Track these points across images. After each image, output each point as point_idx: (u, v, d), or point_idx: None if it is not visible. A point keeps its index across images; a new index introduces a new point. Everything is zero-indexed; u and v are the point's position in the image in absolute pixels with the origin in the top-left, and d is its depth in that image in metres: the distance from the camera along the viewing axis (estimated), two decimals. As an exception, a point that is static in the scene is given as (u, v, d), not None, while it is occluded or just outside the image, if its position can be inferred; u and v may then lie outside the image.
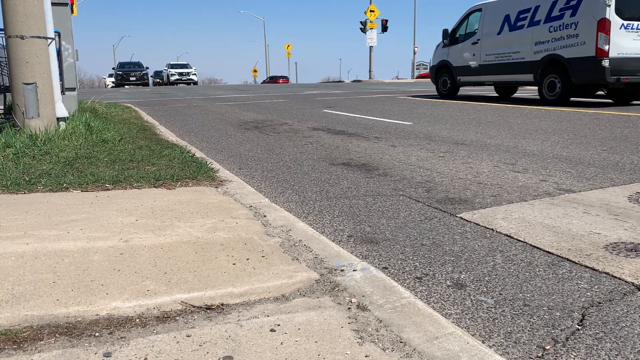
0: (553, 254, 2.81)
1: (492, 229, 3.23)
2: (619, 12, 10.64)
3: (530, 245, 2.95)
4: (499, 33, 13.24)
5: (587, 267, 2.62)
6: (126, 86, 38.08)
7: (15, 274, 2.33)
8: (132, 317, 1.97)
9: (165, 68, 45.21)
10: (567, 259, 2.72)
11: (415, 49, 45.30)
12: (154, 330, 1.87)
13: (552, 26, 11.77)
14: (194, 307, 2.05)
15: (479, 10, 14.04)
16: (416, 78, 43.34)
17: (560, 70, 11.70)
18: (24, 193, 3.80)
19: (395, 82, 36.41)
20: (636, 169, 4.87)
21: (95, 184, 4.03)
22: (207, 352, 1.72)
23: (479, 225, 3.33)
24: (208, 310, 2.02)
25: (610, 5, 10.54)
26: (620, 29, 10.67)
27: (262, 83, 53.27)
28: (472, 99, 15.12)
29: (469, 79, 14.65)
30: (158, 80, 45.80)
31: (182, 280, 2.27)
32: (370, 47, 38.01)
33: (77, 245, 2.69)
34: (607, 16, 10.58)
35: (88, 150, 5.44)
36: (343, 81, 45.10)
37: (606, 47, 10.64)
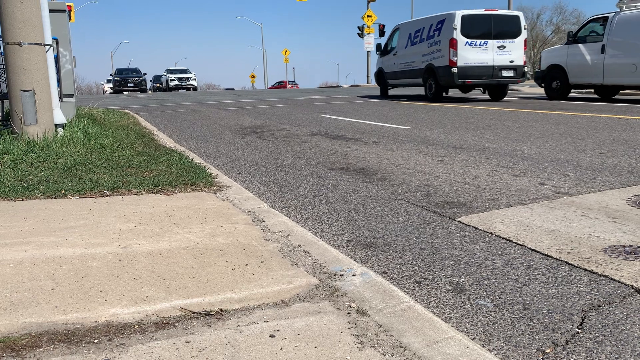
0: (552, 257, 2.81)
1: (491, 233, 3.23)
2: (464, 33, 14.90)
3: (530, 248, 2.95)
4: (405, 47, 17.63)
5: (586, 270, 2.62)
6: (124, 92, 38.08)
7: (13, 281, 2.32)
8: (131, 323, 1.96)
9: (165, 73, 45.19)
10: (566, 262, 2.72)
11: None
12: (153, 336, 1.87)
13: (429, 43, 16.09)
14: (193, 313, 2.04)
15: (398, 29, 18.41)
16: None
17: (434, 75, 16.04)
18: (22, 200, 3.80)
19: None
20: (634, 172, 4.88)
21: (93, 191, 4.03)
22: (207, 358, 1.71)
23: (478, 229, 3.33)
24: (207, 316, 2.02)
25: (456, 29, 14.86)
26: (465, 45, 14.91)
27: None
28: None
29: (393, 82, 18.98)
30: (158, 85, 45.79)
31: (181, 286, 2.26)
32: (368, 52, 38.08)
33: (76, 252, 2.68)
34: (455, 36, 14.89)
35: (86, 156, 5.43)
36: (341, 86, 45.19)
37: (455, 59, 14.93)
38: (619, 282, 2.46)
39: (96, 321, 1.97)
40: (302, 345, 1.79)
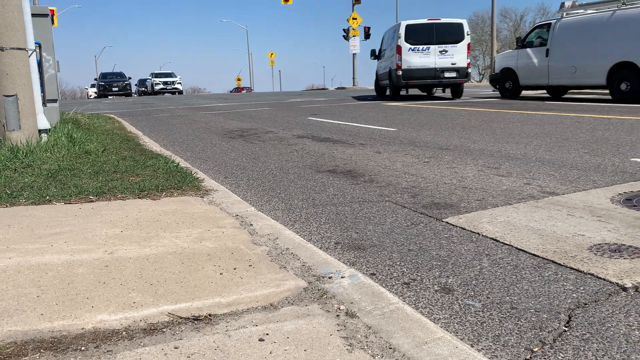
0: (539, 256, 2.83)
1: (478, 233, 3.25)
2: (407, 40, 17.26)
3: (516, 248, 2.97)
4: (384, 52, 19.73)
5: (572, 268, 2.64)
6: (109, 97, 37.78)
7: (-3, 289, 2.28)
8: (118, 330, 1.95)
9: (150, 77, 44.90)
10: (553, 261, 2.75)
11: (398, 55, 45.61)
12: (141, 342, 1.85)
13: (390, 48, 18.59)
14: (181, 318, 2.03)
15: (384, 35, 20.57)
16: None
17: (391, 77, 18.44)
18: (6, 206, 3.74)
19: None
20: (617, 171, 4.94)
21: (78, 196, 3.98)
22: (196, 364, 1.70)
23: (465, 229, 3.35)
24: (196, 321, 2.00)
25: (401, 37, 17.27)
26: (408, 51, 17.23)
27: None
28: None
29: (381, 83, 20.81)
30: (143, 89, 45.48)
31: (168, 292, 2.25)
32: (354, 54, 38.19)
33: (61, 259, 2.65)
34: (400, 43, 17.32)
35: (71, 162, 5.38)
36: (327, 88, 45.24)
37: (399, 63, 17.27)
38: (604, 280, 2.49)
39: (83, 328, 1.95)
40: (291, 349, 1.79)
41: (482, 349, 1.95)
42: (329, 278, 2.41)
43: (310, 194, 4.53)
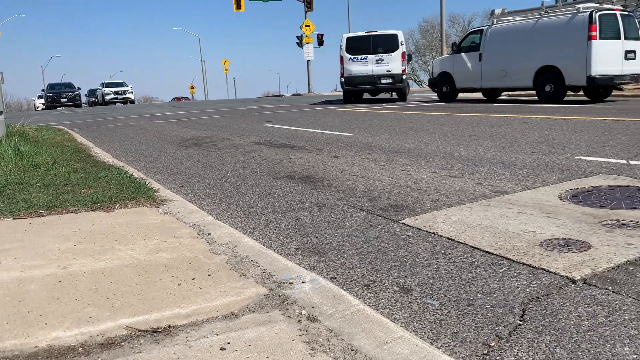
0: (492, 253, 2.92)
1: (434, 233, 3.33)
2: (348, 51, 19.40)
3: (471, 246, 3.05)
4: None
5: (524, 264, 2.74)
6: (58, 108, 36.59)
7: (-58, 310, 2.18)
8: (74, 346, 1.89)
9: (100, 87, 43.77)
10: (506, 258, 2.84)
11: (352, 61, 45.99)
12: (98, 357, 1.81)
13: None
14: (139, 331, 1.99)
15: None
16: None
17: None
18: (-51, 224, 3.58)
19: (334, 95, 36.85)
20: (564, 169, 5.14)
21: (28, 211, 3.85)
22: (156, 376, 1.67)
23: (421, 230, 3.42)
24: (155, 334, 1.97)
25: (342, 47, 19.49)
26: (349, 60, 19.35)
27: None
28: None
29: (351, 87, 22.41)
30: (93, 99, 44.28)
31: (126, 305, 2.20)
32: (308, 61, 38.36)
33: (11, 276, 2.56)
34: (342, 54, 19.60)
35: (19, 175, 5.19)
36: (283, 95, 45.24)
37: (342, 71, 19.59)
38: (555, 273, 2.59)
39: (36, 346, 1.89)
40: (253, 356, 1.78)
41: (441, 346, 2.00)
42: (290, 284, 2.41)
43: (269, 201, 4.52)
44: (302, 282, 2.41)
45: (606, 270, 2.59)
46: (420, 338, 1.99)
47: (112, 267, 2.67)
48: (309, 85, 40.09)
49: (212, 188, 5.21)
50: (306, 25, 36.63)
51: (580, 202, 3.86)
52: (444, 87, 18.11)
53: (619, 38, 13.66)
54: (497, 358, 1.89)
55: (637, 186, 4.23)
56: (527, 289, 2.44)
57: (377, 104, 18.43)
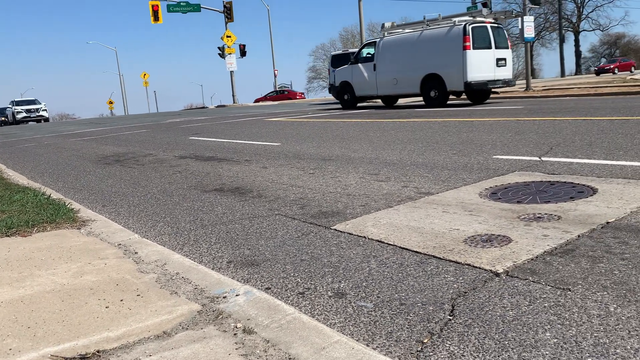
0: (421, 252, 3.01)
1: (365, 237, 3.39)
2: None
3: (400, 247, 3.13)
4: None
5: (451, 261, 2.85)
6: None
7: None
8: (-8, 382, 1.76)
9: (10, 105, 41.19)
10: (434, 256, 2.94)
11: (276, 72, 46.19)
12: (20, 392, 1.69)
13: None
14: (66, 359, 1.88)
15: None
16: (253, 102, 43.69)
17: None
18: None
19: (259, 105, 36.77)
20: (482, 168, 5.40)
21: None
22: (86, 406, 1.59)
23: (352, 234, 3.47)
24: (83, 361, 1.87)
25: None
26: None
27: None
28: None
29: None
30: (3, 118, 41.57)
31: (49, 333, 2.08)
32: (231, 71, 38.07)
33: None
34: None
35: None
36: (207, 107, 44.55)
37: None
38: (479, 268, 2.71)
39: (-51, 387, 1.74)
40: (189, 374, 1.74)
41: (377, 347, 2.03)
42: (224, 298, 2.37)
43: (198, 215, 4.43)
44: (236, 295, 2.38)
45: (526, 261, 2.74)
46: (357, 341, 2.02)
47: (32, 294, 2.51)
48: (233, 96, 39.78)
49: (137, 205, 5.04)
50: (227, 36, 36.34)
51: (499, 198, 4.07)
52: (345, 95, 19.45)
53: (490, 47, 15.46)
54: (431, 354, 1.95)
55: (550, 181, 4.52)
56: (455, 285, 2.54)
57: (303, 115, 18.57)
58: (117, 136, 14.28)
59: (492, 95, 17.82)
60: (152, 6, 32.53)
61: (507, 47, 16.15)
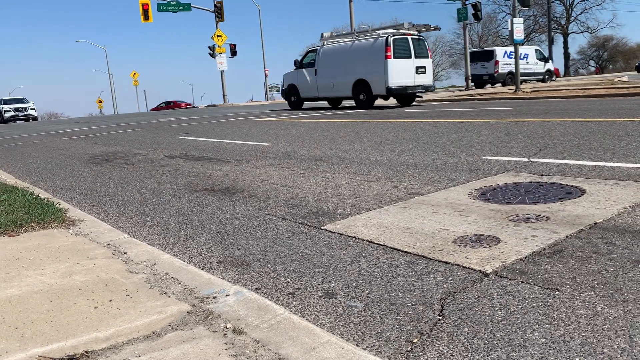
0: (410, 253, 3.02)
1: (355, 237, 3.39)
2: None
3: (390, 247, 3.14)
4: None
5: (440, 261, 2.86)
6: None
7: None
8: (-21, 383, 1.75)
9: None
10: (423, 256, 2.95)
11: (266, 72, 46.13)
12: (8, 393, 1.68)
13: None
14: (54, 359, 1.87)
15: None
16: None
17: None
18: None
19: (250, 105, 36.70)
20: (472, 169, 5.43)
21: None
22: (74, 407, 1.58)
23: (343, 234, 3.48)
24: (71, 361, 1.86)
25: None
26: None
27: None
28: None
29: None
30: None
31: (37, 333, 2.06)
32: (222, 71, 37.96)
33: None
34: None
35: None
36: (197, 106, 44.40)
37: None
38: (469, 268, 2.73)
39: None
40: (179, 375, 1.73)
41: (367, 347, 2.04)
42: (214, 298, 2.37)
43: (188, 215, 4.41)
44: (226, 296, 2.37)
45: (515, 262, 2.76)
46: (347, 341, 2.02)
47: (19, 294, 2.49)
48: (224, 96, 39.66)
49: (126, 205, 5.01)
50: (218, 36, 36.23)
51: (489, 199, 4.09)
52: (292, 97, 21.44)
53: (410, 57, 17.65)
54: (420, 354, 1.96)
55: (539, 182, 4.55)
56: (445, 285, 2.55)
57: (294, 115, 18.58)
58: (107, 135, 14.19)
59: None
60: (143, 5, 32.33)
61: (427, 57, 18.41)
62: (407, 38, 17.69)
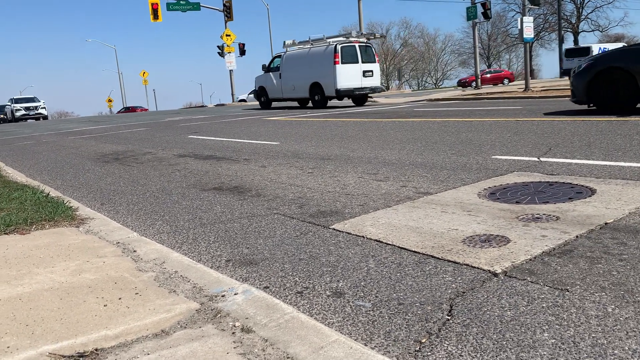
0: (419, 252, 3.01)
1: (363, 236, 3.39)
2: None
3: (398, 247, 3.14)
4: None
5: (449, 261, 2.85)
6: None
7: None
8: (-10, 380, 1.76)
9: (9, 103, 41.15)
10: (432, 256, 2.94)
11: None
12: (18, 390, 1.70)
13: None
14: (64, 357, 1.89)
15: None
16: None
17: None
18: None
19: (251, 105, 36.75)
20: (481, 168, 5.41)
21: None
22: (84, 404, 1.59)
23: (351, 234, 3.47)
24: (81, 358, 1.88)
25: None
26: None
27: (117, 113, 54.92)
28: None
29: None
30: (2, 116, 41.54)
31: (48, 331, 2.08)
32: (230, 70, 38.03)
33: None
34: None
35: None
36: (206, 105, 44.53)
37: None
38: (478, 268, 2.71)
39: (-53, 384, 1.75)
40: (188, 373, 1.74)
41: (375, 346, 2.04)
42: (222, 296, 2.37)
43: (197, 214, 4.43)
44: (235, 294, 2.38)
45: (524, 262, 2.74)
46: (355, 340, 2.02)
47: (30, 292, 2.51)
48: (232, 95, 39.75)
49: (136, 204, 5.03)
50: (227, 35, 36.30)
51: (498, 199, 4.07)
52: (262, 97, 23.93)
53: (357, 62, 20.03)
54: (429, 353, 1.95)
55: (549, 181, 4.52)
56: (453, 285, 2.54)
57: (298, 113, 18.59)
58: (116, 134, 14.27)
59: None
60: (152, 4, 32.46)
61: (374, 62, 20.77)
62: (354, 45, 20.16)
